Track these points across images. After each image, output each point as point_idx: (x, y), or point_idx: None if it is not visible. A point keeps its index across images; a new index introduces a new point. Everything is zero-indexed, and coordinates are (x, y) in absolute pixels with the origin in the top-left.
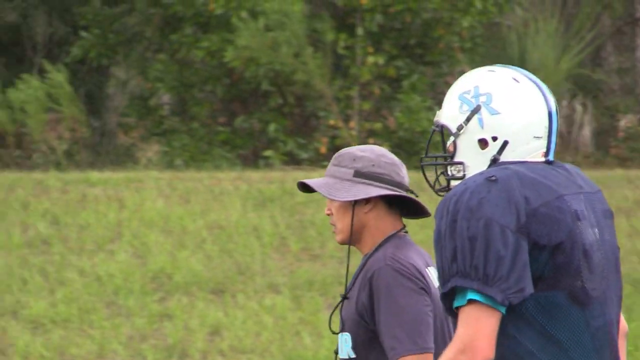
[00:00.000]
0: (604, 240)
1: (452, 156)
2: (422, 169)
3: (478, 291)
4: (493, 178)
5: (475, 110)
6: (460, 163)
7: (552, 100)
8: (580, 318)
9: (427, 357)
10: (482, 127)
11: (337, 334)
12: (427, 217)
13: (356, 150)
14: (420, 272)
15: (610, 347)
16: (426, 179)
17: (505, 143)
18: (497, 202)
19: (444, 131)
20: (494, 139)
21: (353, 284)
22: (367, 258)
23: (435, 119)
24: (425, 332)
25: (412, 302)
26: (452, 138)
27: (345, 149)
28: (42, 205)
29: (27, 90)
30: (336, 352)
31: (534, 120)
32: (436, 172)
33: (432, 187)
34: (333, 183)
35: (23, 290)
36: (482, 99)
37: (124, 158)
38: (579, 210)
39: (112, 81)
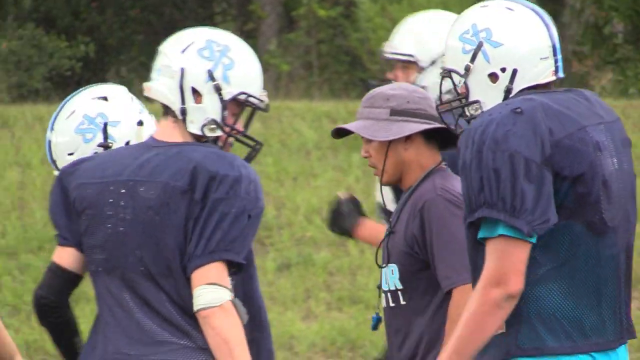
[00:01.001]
0: (623, 170)
1: (467, 97)
2: (440, 116)
3: (505, 222)
4: (518, 110)
5: (479, 47)
6: (476, 101)
7: (548, 19)
8: (593, 247)
9: None
10: (489, 62)
11: (383, 267)
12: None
13: (387, 89)
14: None
15: (617, 275)
16: (447, 125)
17: (515, 71)
18: (523, 134)
19: (452, 76)
20: (503, 70)
21: (398, 217)
22: (412, 191)
23: (442, 65)
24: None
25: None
26: (462, 80)
27: (375, 89)
28: None
29: None
30: (379, 287)
31: (536, 42)
32: (454, 117)
33: (455, 131)
34: (370, 125)
35: None
36: (482, 34)
37: (578, 86)
38: (600, 141)
39: (567, 10)
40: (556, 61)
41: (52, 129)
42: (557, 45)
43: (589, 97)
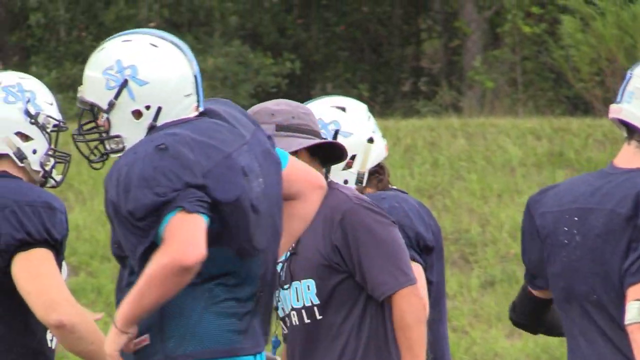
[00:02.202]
0: (268, 186)
1: (108, 131)
2: (75, 144)
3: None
4: (162, 146)
5: (124, 85)
6: (118, 136)
7: (190, 54)
8: (242, 268)
9: (418, 288)
10: (134, 99)
11: (285, 289)
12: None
13: (270, 105)
14: (383, 209)
15: (266, 290)
16: (81, 152)
17: (159, 109)
18: (171, 168)
19: (94, 109)
20: (147, 107)
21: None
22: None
23: (80, 95)
24: (409, 263)
25: (392, 235)
26: (104, 115)
27: (258, 105)
28: None
29: None
30: (275, 309)
31: (181, 80)
32: (89, 148)
33: (88, 159)
34: None
35: None
36: (128, 72)
37: None
38: (245, 165)
39: None
40: (198, 96)
41: None
42: (200, 82)
43: (226, 117)
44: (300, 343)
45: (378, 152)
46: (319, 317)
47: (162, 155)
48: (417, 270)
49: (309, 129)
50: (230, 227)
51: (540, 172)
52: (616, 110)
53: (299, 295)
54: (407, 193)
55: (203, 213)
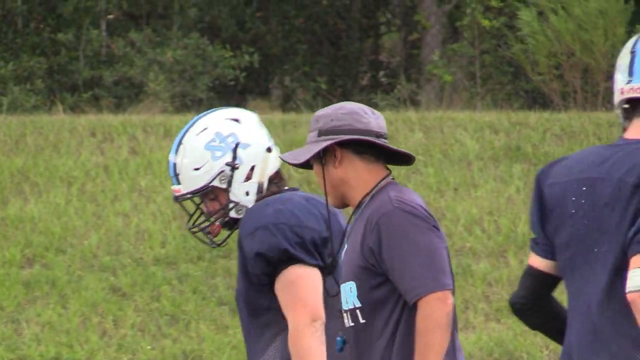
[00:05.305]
0: None
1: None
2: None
3: None
4: None
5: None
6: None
7: None
8: None
9: (448, 294)
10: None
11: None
12: (411, 163)
13: (320, 110)
14: (428, 212)
15: None
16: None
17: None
18: None
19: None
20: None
21: (349, 234)
22: (363, 207)
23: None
24: (444, 269)
25: (428, 240)
26: None
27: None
28: None
29: None
30: (340, 311)
31: None
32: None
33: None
34: (302, 149)
35: None
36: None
37: None
38: None
39: None
40: None
41: (176, 151)
42: None
43: None
44: (353, 345)
45: (274, 160)
46: (361, 320)
47: None
48: (309, 271)
49: (349, 129)
50: None
51: (497, 166)
52: (634, 89)
53: (347, 297)
54: (298, 190)
55: None
